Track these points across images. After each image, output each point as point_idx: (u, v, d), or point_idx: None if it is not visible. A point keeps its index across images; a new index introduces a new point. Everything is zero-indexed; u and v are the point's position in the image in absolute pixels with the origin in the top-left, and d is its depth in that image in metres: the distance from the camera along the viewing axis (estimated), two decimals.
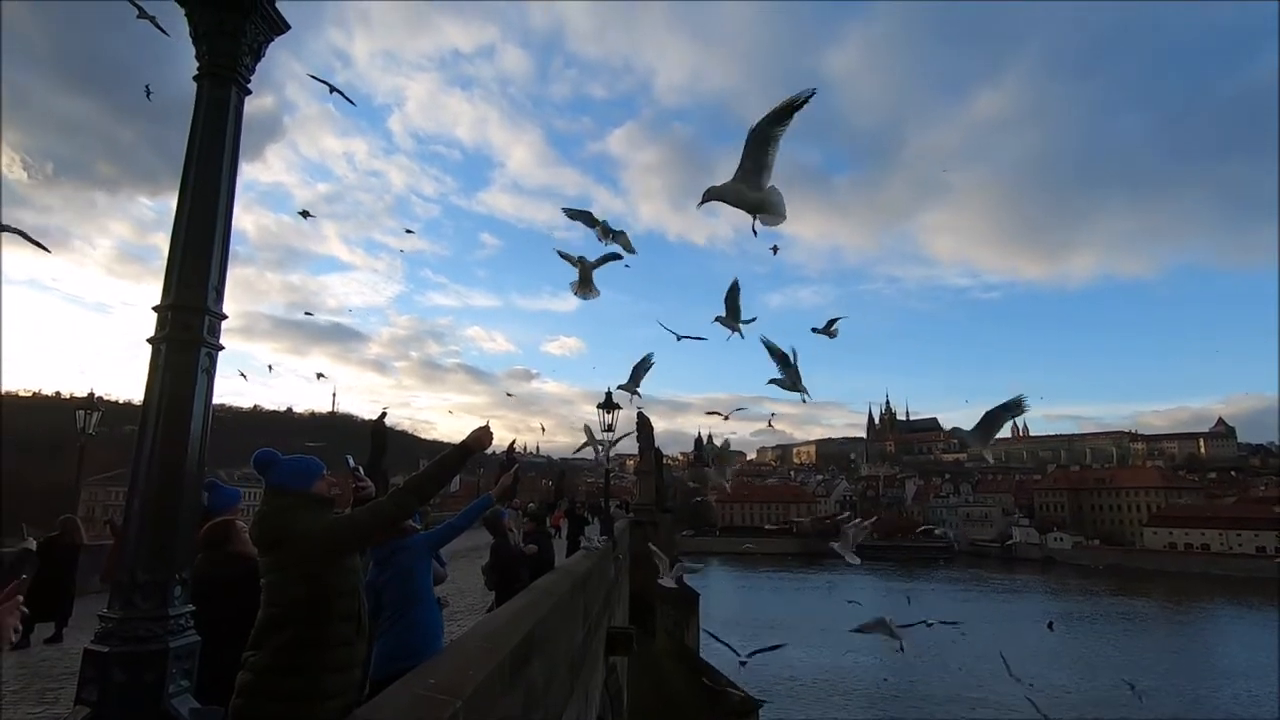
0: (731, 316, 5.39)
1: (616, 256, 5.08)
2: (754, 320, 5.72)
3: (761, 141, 3.51)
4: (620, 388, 7.94)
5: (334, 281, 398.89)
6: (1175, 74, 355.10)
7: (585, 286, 5.11)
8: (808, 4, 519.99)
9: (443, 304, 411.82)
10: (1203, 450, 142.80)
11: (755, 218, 3.91)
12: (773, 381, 5.75)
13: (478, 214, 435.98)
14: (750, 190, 3.71)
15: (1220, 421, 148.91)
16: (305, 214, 16.79)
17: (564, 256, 5.14)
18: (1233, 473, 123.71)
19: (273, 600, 2.45)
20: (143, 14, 5.92)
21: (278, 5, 2.30)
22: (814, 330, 6.36)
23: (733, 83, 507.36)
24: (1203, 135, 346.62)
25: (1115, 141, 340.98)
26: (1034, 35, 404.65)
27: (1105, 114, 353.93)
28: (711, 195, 3.77)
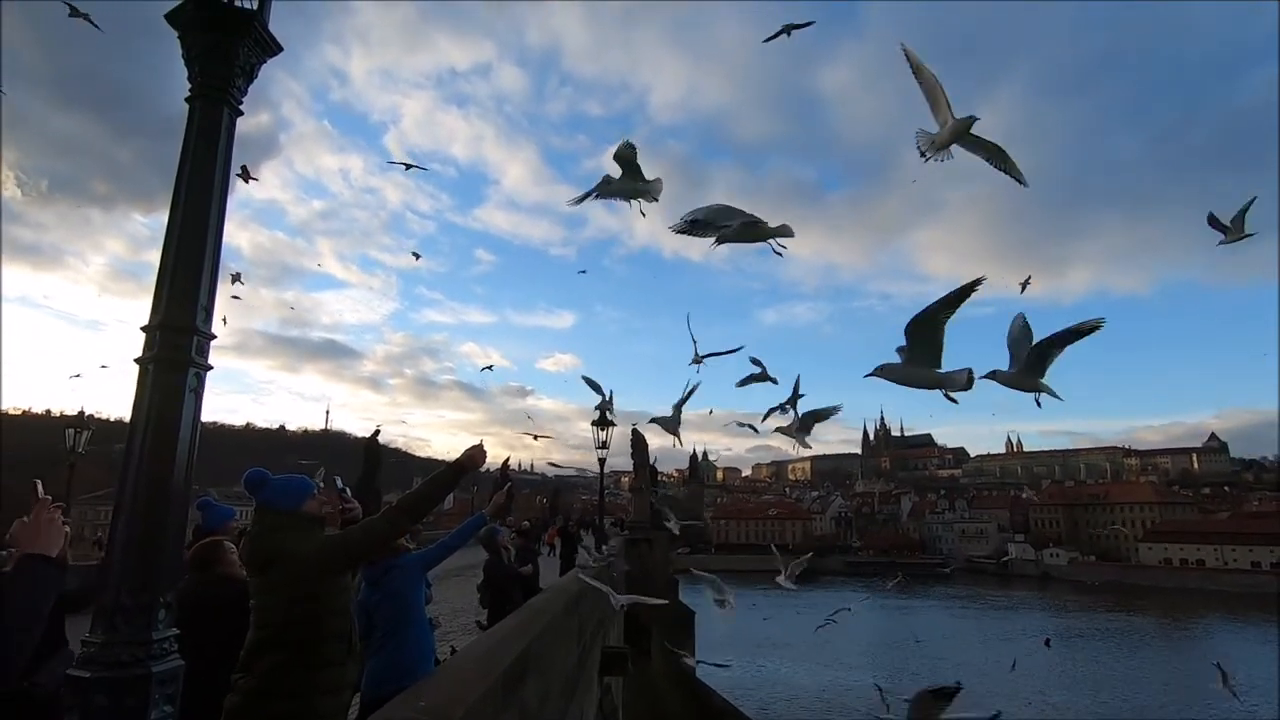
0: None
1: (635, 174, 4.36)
2: (741, 348, 5.73)
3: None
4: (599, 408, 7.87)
5: (329, 298, 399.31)
6: (1165, 93, 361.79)
7: (642, 186, 4.39)
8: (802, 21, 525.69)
9: (438, 321, 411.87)
10: (1196, 465, 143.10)
11: (771, 243, 4.11)
12: (654, 420, 5.93)
13: (473, 230, 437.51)
14: (754, 224, 3.92)
15: (1213, 436, 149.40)
16: (245, 173, 16.51)
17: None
18: (1226, 488, 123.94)
19: (263, 622, 2.43)
20: (75, 12, 5.87)
21: (271, 27, 2.32)
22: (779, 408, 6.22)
23: (727, 100, 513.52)
24: (1193, 153, 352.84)
25: (1108, 159, 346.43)
26: (1025, 55, 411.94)
27: (1097, 132, 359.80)
28: (722, 239, 3.95)
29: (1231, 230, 7.82)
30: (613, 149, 4.23)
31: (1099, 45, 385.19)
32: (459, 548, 4.27)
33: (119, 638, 1.82)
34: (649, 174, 4.46)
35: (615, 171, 4.30)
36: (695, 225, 3.99)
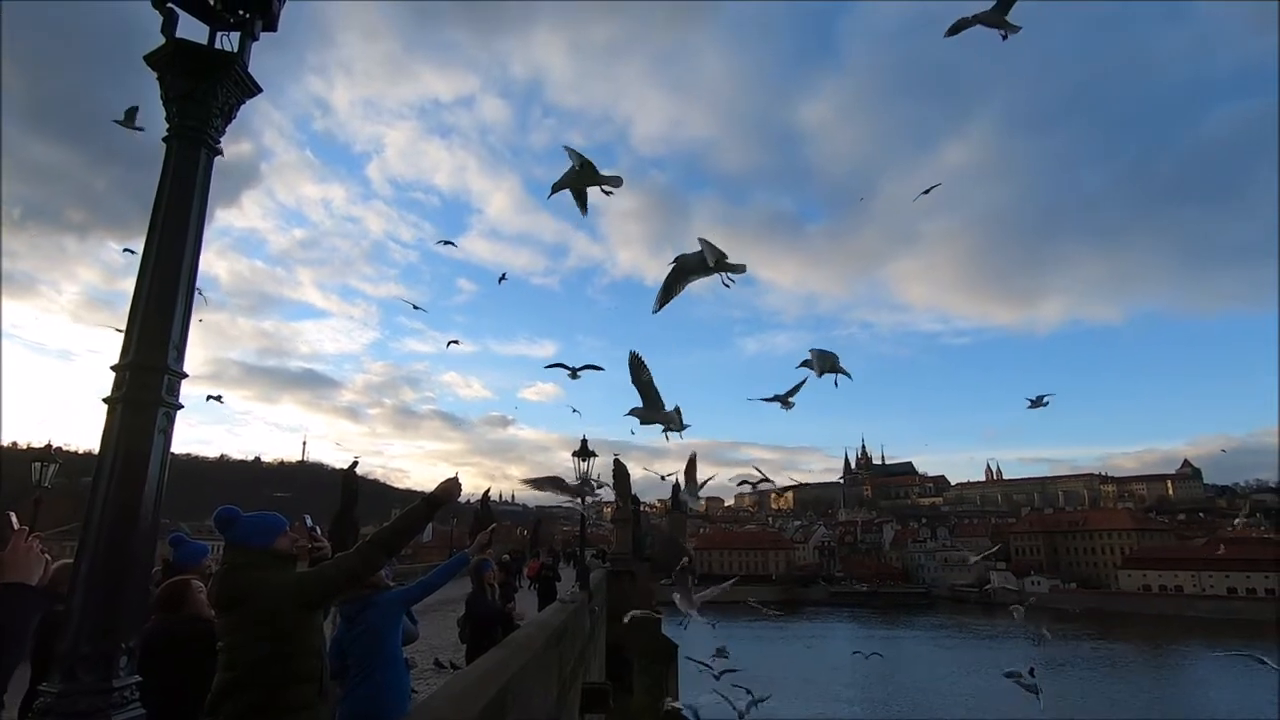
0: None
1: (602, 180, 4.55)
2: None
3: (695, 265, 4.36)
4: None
5: (308, 328, 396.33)
6: (1132, 129, 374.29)
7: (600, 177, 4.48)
8: (782, 59, 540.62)
9: (419, 350, 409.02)
10: (1171, 492, 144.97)
11: (723, 277, 4.33)
12: (561, 492, 6.32)
13: (455, 260, 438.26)
14: (718, 259, 4.32)
15: (1186, 463, 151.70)
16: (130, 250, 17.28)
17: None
18: (1201, 514, 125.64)
19: (231, 662, 2.37)
20: None
21: (254, 57, 2.33)
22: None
23: (709, 133, 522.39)
24: (1160, 187, 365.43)
25: (1078, 192, 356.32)
26: (996, 92, 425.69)
27: (1067, 166, 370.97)
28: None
29: (1037, 402, 12.75)
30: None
31: (1066, 83, 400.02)
32: (440, 587, 4.17)
33: (78, 686, 1.77)
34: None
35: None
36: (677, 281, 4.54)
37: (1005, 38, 5.30)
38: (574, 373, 6.45)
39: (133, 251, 17.06)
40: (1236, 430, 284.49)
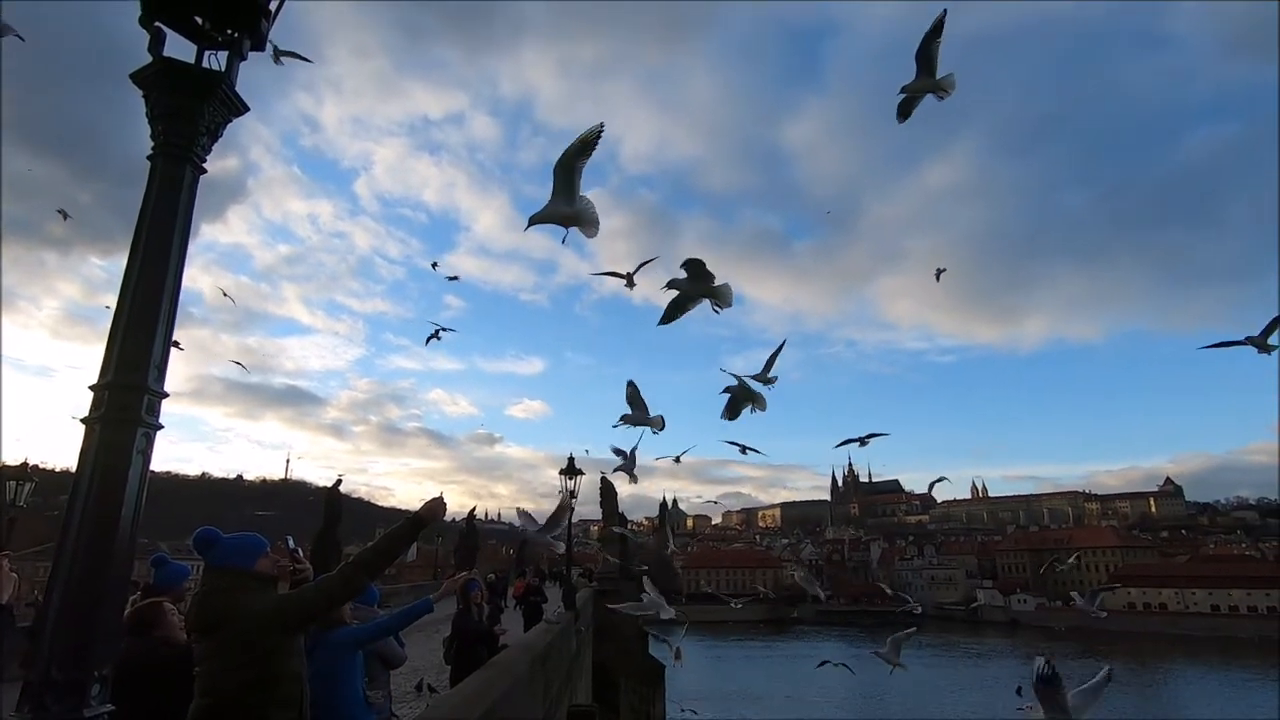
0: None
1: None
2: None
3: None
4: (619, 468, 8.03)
5: (292, 344, 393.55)
6: (1110, 152, 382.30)
7: (570, 211, 4.30)
8: (768, 80, 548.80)
9: (405, 367, 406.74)
10: (1154, 509, 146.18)
11: (710, 303, 4.44)
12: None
13: (443, 276, 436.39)
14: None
15: (1168, 481, 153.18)
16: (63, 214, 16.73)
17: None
18: (1183, 531, 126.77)
19: (208, 688, 2.31)
20: None
21: (241, 76, 2.32)
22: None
23: (697, 152, 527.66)
24: (1138, 208, 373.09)
25: (1059, 213, 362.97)
26: (977, 115, 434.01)
27: (1048, 188, 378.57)
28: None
29: (942, 483, 16.33)
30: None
31: (1046, 107, 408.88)
32: (398, 630, 3.95)
33: (47, 716, 1.72)
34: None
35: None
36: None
37: (941, 98, 5.35)
38: (629, 279, 6.27)
39: (66, 214, 16.47)
40: (1217, 448, 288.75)
